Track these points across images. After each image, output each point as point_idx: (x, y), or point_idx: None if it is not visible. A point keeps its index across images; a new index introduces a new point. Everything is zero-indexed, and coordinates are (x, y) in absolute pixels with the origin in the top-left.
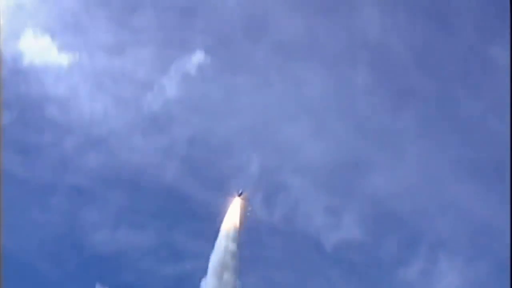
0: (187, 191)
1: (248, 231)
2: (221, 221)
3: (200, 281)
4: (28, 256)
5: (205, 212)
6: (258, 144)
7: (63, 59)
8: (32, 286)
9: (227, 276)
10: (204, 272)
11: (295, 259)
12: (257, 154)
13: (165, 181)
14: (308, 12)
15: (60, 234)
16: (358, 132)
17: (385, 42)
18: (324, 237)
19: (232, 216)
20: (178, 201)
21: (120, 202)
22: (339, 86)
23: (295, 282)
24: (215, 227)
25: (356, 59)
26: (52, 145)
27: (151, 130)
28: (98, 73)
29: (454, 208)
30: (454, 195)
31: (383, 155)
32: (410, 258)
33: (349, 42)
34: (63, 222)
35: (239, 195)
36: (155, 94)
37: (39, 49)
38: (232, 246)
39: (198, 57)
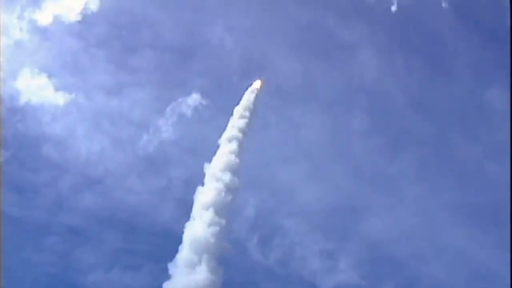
0: (182, 233)
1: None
2: None
3: None
4: None
5: None
6: (254, 186)
7: (59, 99)
8: None
9: None
10: None
11: None
12: (253, 196)
13: (160, 222)
14: (305, 55)
15: (54, 274)
16: (354, 176)
17: (382, 86)
18: (320, 281)
19: None
20: (173, 242)
21: (115, 243)
22: (335, 130)
23: None
24: None
25: (353, 103)
26: (48, 184)
27: (147, 171)
28: (95, 113)
29: (450, 252)
30: (451, 239)
31: (379, 199)
32: None
33: (346, 85)
34: (58, 262)
35: None
36: (151, 135)
37: (36, 88)
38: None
39: (194, 98)
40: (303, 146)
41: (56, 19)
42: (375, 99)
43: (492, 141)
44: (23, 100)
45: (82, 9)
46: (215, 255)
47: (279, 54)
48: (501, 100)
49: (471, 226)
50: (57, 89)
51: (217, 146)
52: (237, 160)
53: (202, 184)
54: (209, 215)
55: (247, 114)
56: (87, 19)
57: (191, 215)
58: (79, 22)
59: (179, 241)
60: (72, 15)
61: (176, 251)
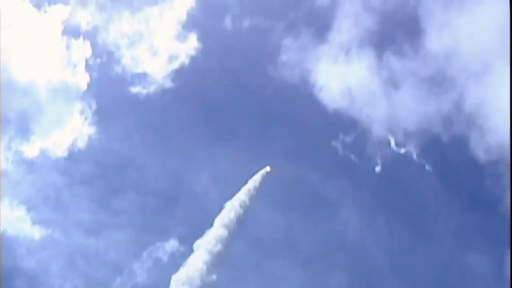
0: None
1: None
2: None
3: None
4: None
5: None
6: None
7: (35, 233)
8: None
9: None
10: None
11: None
12: None
13: None
14: (287, 209)
15: None
16: None
17: (363, 245)
18: None
19: None
20: None
21: None
22: (314, 286)
23: None
24: None
25: (332, 260)
26: None
27: None
28: (71, 251)
29: None
30: None
31: None
32: None
33: (326, 242)
34: None
35: None
36: (125, 279)
37: (13, 220)
38: None
39: (172, 244)
40: None
41: (43, 153)
42: (355, 258)
43: None
44: None
45: (69, 145)
46: None
47: (261, 206)
48: (481, 264)
49: None
50: (34, 222)
51: None
52: None
53: None
54: None
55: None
56: (73, 155)
57: None
58: (65, 158)
59: None
60: (59, 151)
61: None
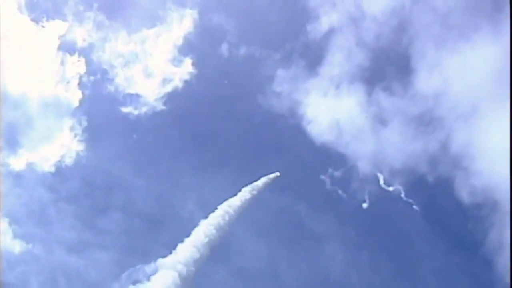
0: None
1: None
2: None
3: None
4: None
5: None
6: None
7: (16, 247)
8: None
9: None
10: None
11: None
12: None
13: None
14: (272, 241)
15: None
16: None
17: (346, 281)
18: None
19: None
20: None
21: None
22: None
23: None
24: None
25: None
26: None
27: None
28: (51, 267)
29: None
30: None
31: None
32: None
33: (309, 276)
34: None
35: None
36: None
37: None
38: None
39: (152, 268)
40: None
41: (30, 167)
42: None
43: None
44: None
45: (57, 160)
46: None
47: (246, 235)
48: None
49: None
50: (15, 236)
51: None
52: None
53: None
54: None
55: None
56: (61, 171)
57: None
58: (52, 173)
59: None
60: (46, 165)
61: None
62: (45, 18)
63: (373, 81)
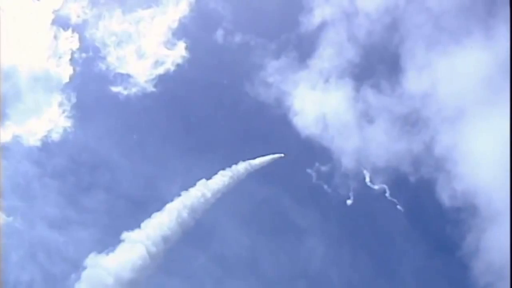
0: None
1: None
2: None
3: None
4: None
5: None
6: None
7: None
8: None
9: None
10: None
11: None
12: None
13: None
14: (254, 231)
15: None
16: None
17: (325, 275)
18: None
19: None
20: None
21: None
22: None
23: None
24: None
25: (293, 287)
26: None
27: None
28: (32, 242)
29: None
30: None
31: None
32: None
33: (289, 268)
34: None
35: None
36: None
37: None
38: None
39: None
40: None
41: (15, 139)
42: (315, 287)
43: None
44: None
45: (43, 135)
46: None
47: (228, 224)
48: None
49: None
50: None
51: None
52: None
53: None
54: None
55: None
56: (47, 147)
57: None
58: (38, 148)
59: None
60: (32, 139)
61: None
62: None
63: (361, 78)
